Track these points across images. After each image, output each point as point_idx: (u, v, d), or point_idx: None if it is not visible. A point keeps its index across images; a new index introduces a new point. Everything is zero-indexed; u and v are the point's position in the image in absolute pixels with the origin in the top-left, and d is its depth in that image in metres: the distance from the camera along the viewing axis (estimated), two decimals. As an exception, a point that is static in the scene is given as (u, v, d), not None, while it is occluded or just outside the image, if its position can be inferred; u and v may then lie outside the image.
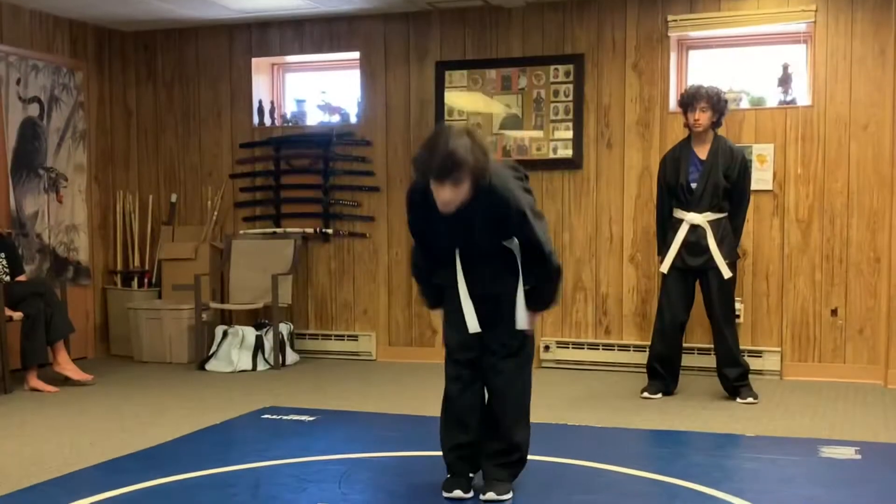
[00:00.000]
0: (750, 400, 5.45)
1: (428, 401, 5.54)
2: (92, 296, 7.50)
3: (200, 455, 4.35)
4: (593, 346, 6.67)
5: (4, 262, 6.15)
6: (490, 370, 3.60)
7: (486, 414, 3.66)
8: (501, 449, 3.62)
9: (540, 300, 3.57)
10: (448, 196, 3.28)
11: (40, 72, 6.94)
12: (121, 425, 5.02)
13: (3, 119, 6.64)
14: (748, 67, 6.57)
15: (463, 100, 6.84)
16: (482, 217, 3.39)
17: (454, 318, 3.58)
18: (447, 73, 6.90)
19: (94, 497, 3.66)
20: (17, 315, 5.98)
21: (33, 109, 6.88)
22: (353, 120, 7.32)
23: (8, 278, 6.14)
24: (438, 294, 3.68)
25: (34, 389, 5.97)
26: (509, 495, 3.59)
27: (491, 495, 3.56)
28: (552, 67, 6.70)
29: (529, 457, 3.71)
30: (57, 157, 7.10)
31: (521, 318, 3.52)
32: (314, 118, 7.47)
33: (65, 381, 6.17)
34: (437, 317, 3.92)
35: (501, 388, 3.60)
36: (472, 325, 3.53)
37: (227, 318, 7.35)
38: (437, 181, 3.26)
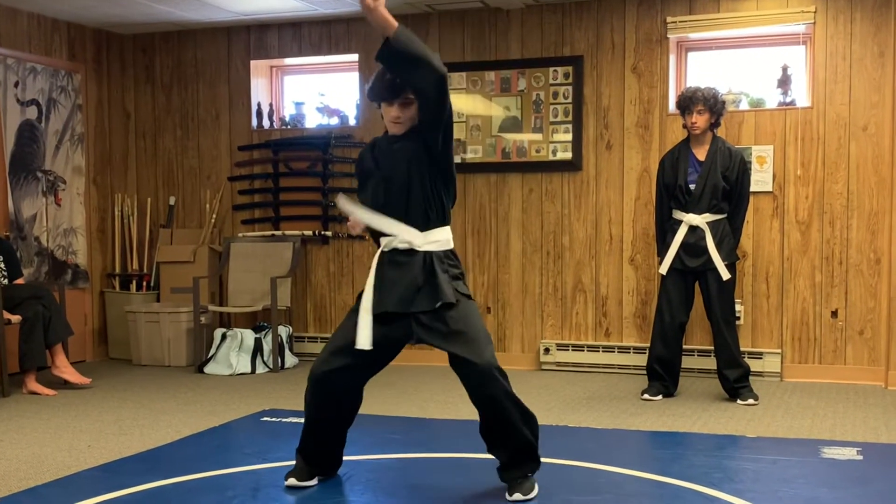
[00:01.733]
0: (750, 401, 5.44)
1: (428, 403, 5.54)
2: (90, 299, 7.48)
3: (199, 458, 4.33)
4: (593, 349, 6.65)
5: (2, 266, 6.14)
6: None
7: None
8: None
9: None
10: (396, 112, 3.50)
11: (38, 74, 6.93)
12: (119, 428, 5.00)
13: (1, 122, 6.62)
14: (747, 69, 6.57)
15: (462, 102, 6.83)
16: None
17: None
18: (446, 75, 6.88)
19: (93, 499, 3.64)
20: (16, 318, 5.96)
21: (31, 112, 6.87)
22: (352, 122, 7.31)
23: (6, 281, 6.13)
24: None
25: (32, 392, 5.96)
26: (535, 492, 3.61)
27: (517, 496, 3.57)
28: (551, 69, 6.70)
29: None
30: (55, 159, 7.09)
31: None
32: (313, 121, 7.46)
33: (63, 385, 6.15)
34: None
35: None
36: None
37: (226, 321, 7.34)
38: (385, 99, 3.51)
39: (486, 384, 3.48)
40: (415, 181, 3.51)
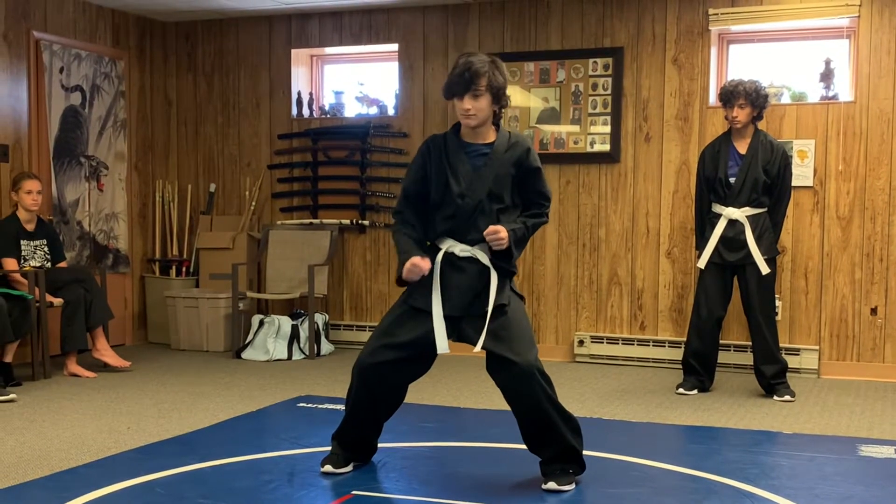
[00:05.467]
0: (787, 398, 5.40)
1: (462, 392, 5.56)
2: (130, 283, 7.58)
3: (236, 442, 4.38)
4: (628, 342, 6.64)
5: (46, 249, 6.23)
6: None
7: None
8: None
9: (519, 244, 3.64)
10: (468, 104, 3.48)
11: (83, 61, 7.02)
12: (158, 411, 5.07)
13: (45, 107, 6.72)
14: (790, 62, 6.50)
15: (501, 92, 6.81)
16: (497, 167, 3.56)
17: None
18: (485, 65, 6.88)
19: (132, 480, 3.70)
20: (58, 301, 6.05)
21: (75, 98, 6.96)
22: (391, 112, 7.33)
23: (49, 265, 6.22)
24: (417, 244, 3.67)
25: (73, 375, 6.05)
26: (571, 486, 3.62)
27: (552, 485, 3.59)
28: (591, 61, 6.67)
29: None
30: (98, 145, 7.18)
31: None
32: (352, 110, 7.50)
33: (103, 367, 6.24)
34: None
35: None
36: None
37: (264, 308, 7.40)
38: (458, 95, 3.49)
39: (524, 384, 3.48)
40: (490, 206, 3.56)
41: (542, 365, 3.53)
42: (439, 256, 3.60)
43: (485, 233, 3.50)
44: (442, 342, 3.55)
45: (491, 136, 3.60)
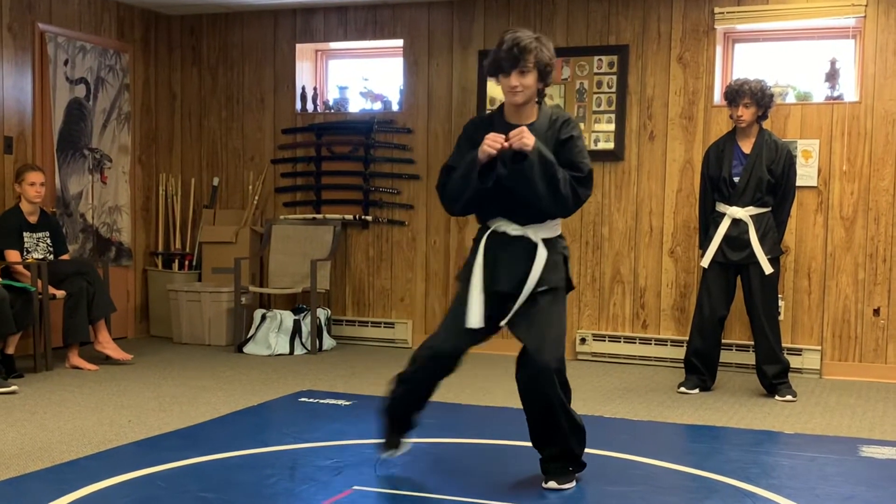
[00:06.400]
0: (789, 398, 5.40)
1: (463, 389, 5.55)
2: (133, 276, 7.58)
3: (237, 436, 4.39)
4: (630, 340, 6.63)
5: (49, 241, 6.23)
6: None
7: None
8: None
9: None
10: (515, 81, 3.41)
11: (87, 53, 7.01)
12: (159, 404, 5.07)
13: (50, 99, 6.72)
14: (795, 62, 6.49)
15: (505, 89, 6.81)
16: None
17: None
18: (490, 62, 6.87)
19: (133, 473, 3.70)
20: (60, 293, 6.06)
21: (80, 90, 6.96)
22: (395, 108, 7.33)
23: (52, 257, 6.22)
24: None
25: (75, 367, 6.06)
26: (572, 484, 3.62)
27: (552, 483, 3.59)
28: (596, 58, 6.67)
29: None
30: (102, 138, 7.18)
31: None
32: (356, 105, 7.49)
33: (105, 360, 6.25)
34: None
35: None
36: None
37: (266, 302, 7.40)
38: (505, 71, 3.42)
39: (539, 381, 3.45)
40: None
41: (564, 366, 3.50)
42: (486, 235, 3.57)
43: (510, 133, 3.40)
44: (474, 317, 3.49)
45: (534, 116, 3.55)
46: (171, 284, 7.38)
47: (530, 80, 3.44)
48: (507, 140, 3.38)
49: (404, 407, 3.79)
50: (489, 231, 3.58)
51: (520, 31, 3.46)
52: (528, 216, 3.53)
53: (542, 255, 3.50)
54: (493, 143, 3.39)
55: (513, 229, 3.54)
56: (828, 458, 4.13)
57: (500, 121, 3.57)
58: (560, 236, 3.64)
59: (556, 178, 3.39)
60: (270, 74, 7.57)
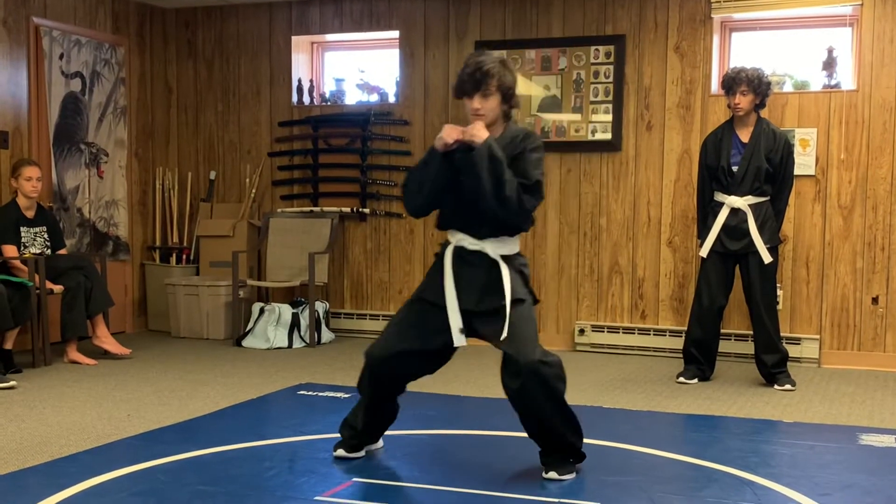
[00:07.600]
0: (787, 387, 5.40)
1: (462, 381, 5.55)
2: (131, 271, 7.57)
3: (236, 429, 4.38)
4: (629, 331, 6.63)
5: (46, 236, 6.22)
6: None
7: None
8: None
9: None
10: (477, 104, 3.49)
11: (83, 47, 6.99)
12: (158, 398, 5.07)
13: (45, 94, 6.70)
14: (792, 50, 6.48)
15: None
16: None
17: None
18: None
19: (133, 467, 3.70)
20: (58, 288, 6.05)
21: (75, 84, 6.94)
22: (392, 99, 7.31)
23: (49, 252, 6.21)
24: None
25: (73, 362, 6.05)
26: (572, 475, 3.62)
27: (553, 474, 3.59)
28: (593, 48, 6.65)
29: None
30: (98, 132, 7.16)
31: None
32: (353, 97, 7.48)
33: (103, 355, 6.24)
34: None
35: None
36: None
37: (264, 296, 7.40)
38: (468, 94, 3.50)
39: (523, 384, 3.45)
40: None
41: (549, 357, 3.49)
42: (449, 250, 3.60)
43: (464, 129, 3.48)
44: (458, 336, 3.53)
45: (499, 133, 3.59)
46: (168, 278, 7.37)
47: (493, 103, 3.52)
48: (462, 133, 3.48)
49: (365, 411, 3.82)
50: (452, 247, 3.61)
51: (484, 55, 3.55)
52: (484, 228, 3.56)
53: (506, 269, 3.54)
54: (448, 133, 3.50)
55: (470, 243, 3.57)
56: (827, 447, 4.13)
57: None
58: (519, 254, 3.66)
59: (502, 178, 3.44)
60: (266, 67, 7.55)
